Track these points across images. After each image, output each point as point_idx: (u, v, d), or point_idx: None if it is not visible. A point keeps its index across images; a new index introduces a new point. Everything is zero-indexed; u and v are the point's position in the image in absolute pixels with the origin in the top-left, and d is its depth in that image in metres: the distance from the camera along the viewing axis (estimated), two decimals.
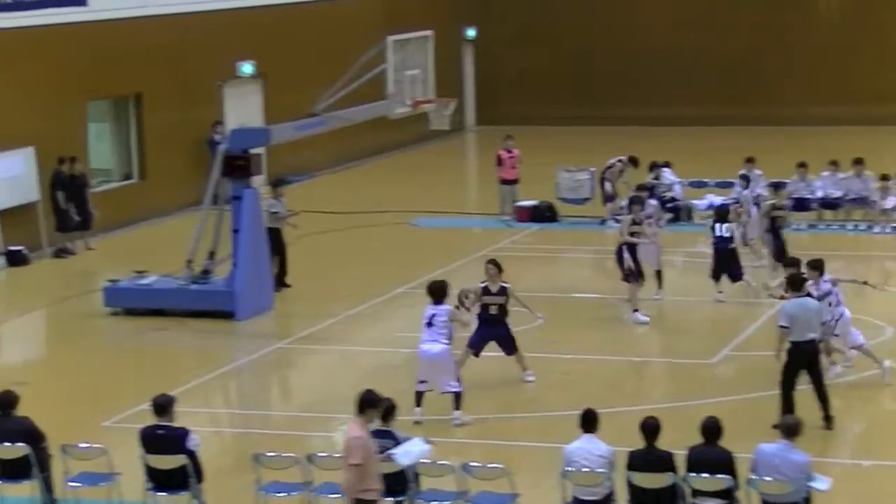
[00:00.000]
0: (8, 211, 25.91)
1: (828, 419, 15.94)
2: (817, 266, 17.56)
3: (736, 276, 21.95)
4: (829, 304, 17.25)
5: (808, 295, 16.28)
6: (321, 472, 13.54)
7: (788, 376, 15.87)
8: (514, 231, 27.24)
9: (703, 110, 40.09)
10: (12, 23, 25.88)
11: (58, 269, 25.65)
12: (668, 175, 28.35)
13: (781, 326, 15.90)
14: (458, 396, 16.60)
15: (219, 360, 19.63)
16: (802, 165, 27.86)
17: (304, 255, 24.76)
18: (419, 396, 16.60)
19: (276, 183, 23.29)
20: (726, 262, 21.95)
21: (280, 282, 22.87)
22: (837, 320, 17.42)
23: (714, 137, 37.87)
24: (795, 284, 16.26)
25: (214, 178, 22.03)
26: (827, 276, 17.70)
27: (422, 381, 16.64)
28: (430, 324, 16.51)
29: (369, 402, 12.74)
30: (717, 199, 28.19)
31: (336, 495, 13.34)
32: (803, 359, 15.84)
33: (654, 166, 28.30)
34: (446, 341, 16.47)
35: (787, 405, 15.67)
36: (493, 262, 18.09)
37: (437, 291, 16.64)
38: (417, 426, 16.03)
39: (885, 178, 27.36)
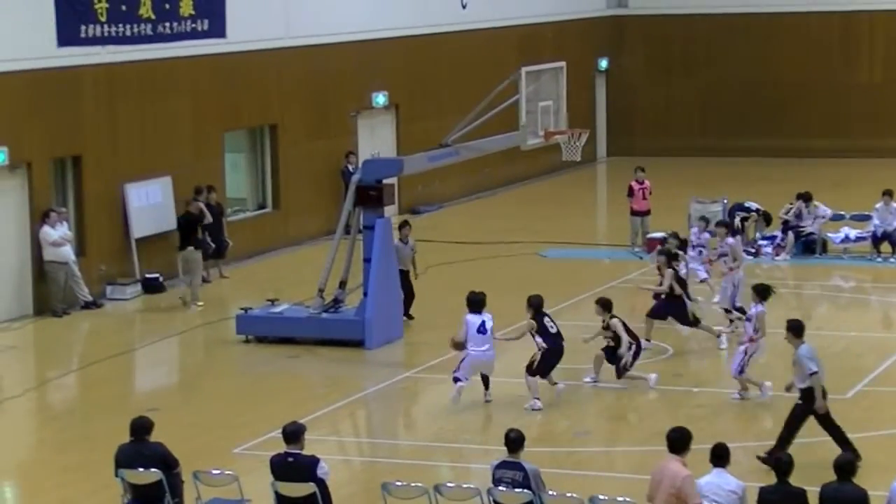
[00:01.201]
0: (146, 239, 26.40)
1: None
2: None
3: None
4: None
5: None
6: (448, 503, 13.53)
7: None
8: (644, 263, 27.05)
9: (839, 142, 39.57)
10: (153, 54, 26.41)
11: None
12: (821, 209, 27.92)
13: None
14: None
15: (348, 389, 19.76)
16: None
17: (434, 285, 24.84)
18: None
19: (400, 226, 23.32)
20: None
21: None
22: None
23: (852, 169, 37.30)
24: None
25: (347, 207, 22.22)
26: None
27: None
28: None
29: (687, 442, 12.66)
30: (853, 232, 27.81)
31: None
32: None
33: (799, 198, 27.94)
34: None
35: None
36: (598, 302, 19.38)
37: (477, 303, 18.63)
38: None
39: None
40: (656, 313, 21.21)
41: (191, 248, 25.29)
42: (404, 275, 22.84)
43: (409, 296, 23.04)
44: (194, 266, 25.19)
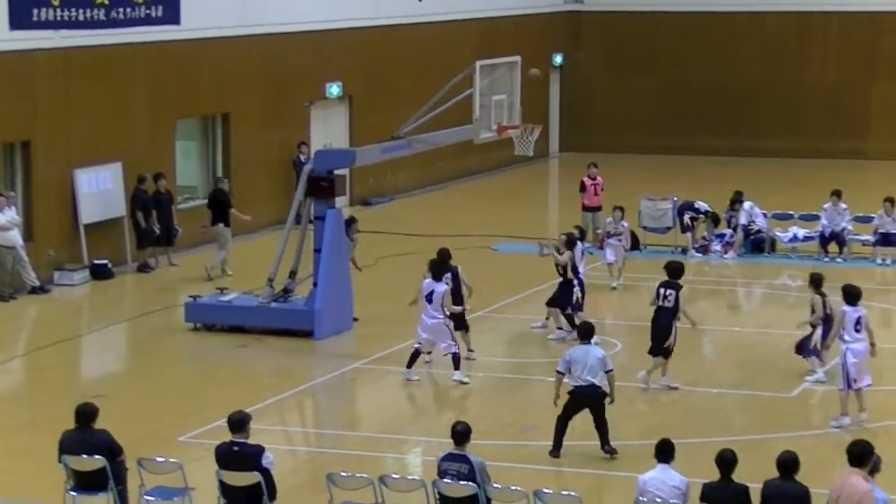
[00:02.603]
0: (94, 225, 26.26)
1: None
2: None
3: None
4: None
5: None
6: (393, 494, 13.54)
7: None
8: (595, 258, 27.13)
9: (793, 143, 39.84)
10: (106, 40, 26.23)
11: (141, 284, 25.94)
12: (747, 209, 28.15)
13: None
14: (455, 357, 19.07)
15: (296, 379, 19.72)
16: (889, 200, 27.55)
17: (385, 277, 24.83)
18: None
19: (348, 222, 23.24)
20: None
21: None
22: None
23: (802, 170, 37.57)
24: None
25: (298, 197, 22.17)
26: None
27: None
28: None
29: (866, 455, 12.37)
30: (802, 232, 28.03)
31: None
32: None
33: (736, 201, 28.20)
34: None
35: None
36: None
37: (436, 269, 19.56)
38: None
39: None
40: (556, 302, 21.61)
41: (221, 225, 26.19)
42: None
43: None
44: (223, 241, 26.03)
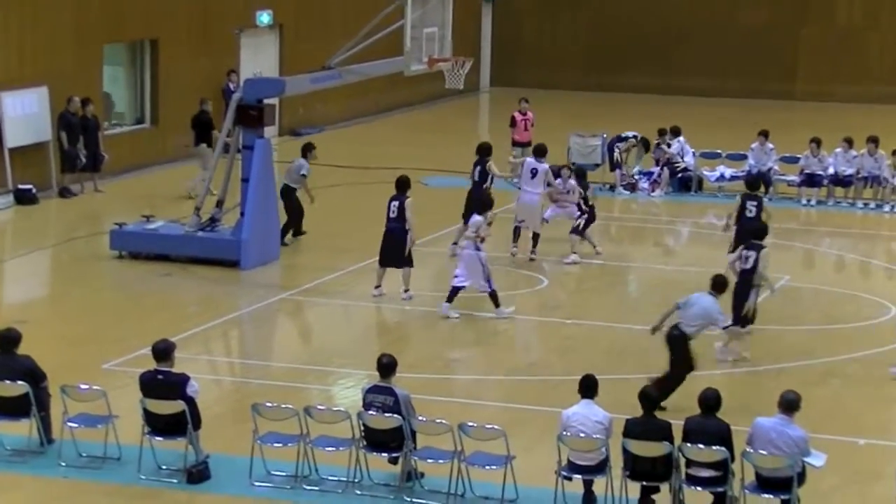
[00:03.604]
0: (19, 149, 25.91)
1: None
2: None
3: None
4: None
5: None
6: (318, 425, 13.57)
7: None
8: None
9: (722, 83, 40.02)
10: None
11: (66, 210, 25.68)
12: (676, 145, 28.29)
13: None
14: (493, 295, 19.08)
15: (221, 309, 19.65)
16: (815, 141, 27.79)
17: (313, 209, 24.72)
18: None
19: (307, 146, 23.28)
20: None
21: (296, 231, 23.09)
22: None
23: (731, 109, 37.78)
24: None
25: (227, 126, 22.00)
26: None
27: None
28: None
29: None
30: (729, 171, 28.22)
31: (331, 448, 13.38)
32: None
33: (662, 133, 28.33)
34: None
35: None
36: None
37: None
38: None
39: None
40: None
41: (203, 145, 26.49)
42: (292, 193, 22.91)
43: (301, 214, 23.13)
44: (206, 161, 25.59)
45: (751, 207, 20.51)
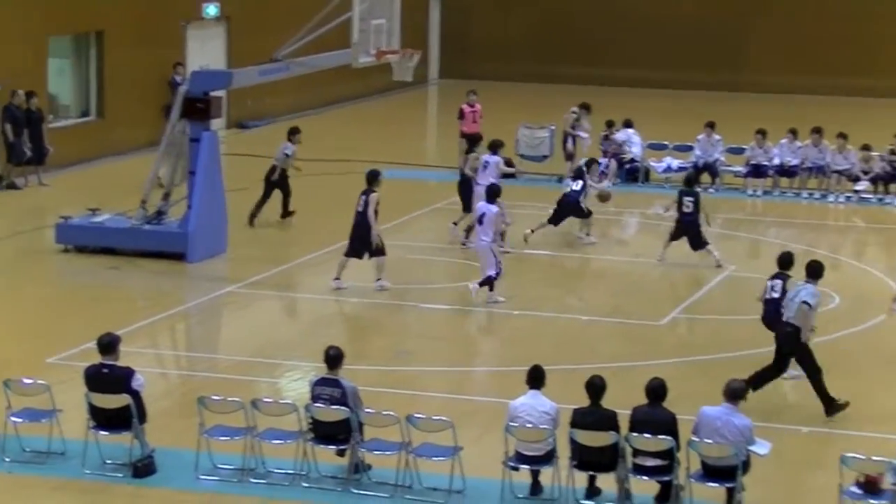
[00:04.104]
0: None
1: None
2: None
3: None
4: None
5: None
6: (264, 418, 13.53)
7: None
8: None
9: (671, 74, 40.16)
10: None
11: (10, 204, 25.45)
12: (620, 135, 28.38)
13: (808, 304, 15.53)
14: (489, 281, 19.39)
15: (168, 302, 19.56)
16: (761, 132, 27.97)
17: (259, 205, 24.60)
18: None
19: (293, 130, 24.47)
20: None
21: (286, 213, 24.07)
22: None
23: (678, 101, 37.96)
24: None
25: (173, 119, 21.89)
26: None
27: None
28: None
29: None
30: (676, 162, 28.35)
31: (278, 441, 13.35)
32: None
33: (610, 125, 28.42)
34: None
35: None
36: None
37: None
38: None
39: (841, 136, 27.53)
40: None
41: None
42: (284, 174, 24.02)
43: (287, 195, 24.08)
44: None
45: (688, 203, 21.57)
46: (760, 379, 15.62)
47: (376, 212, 19.93)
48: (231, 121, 32.65)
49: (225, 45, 33.31)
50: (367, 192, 19.99)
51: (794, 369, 16.07)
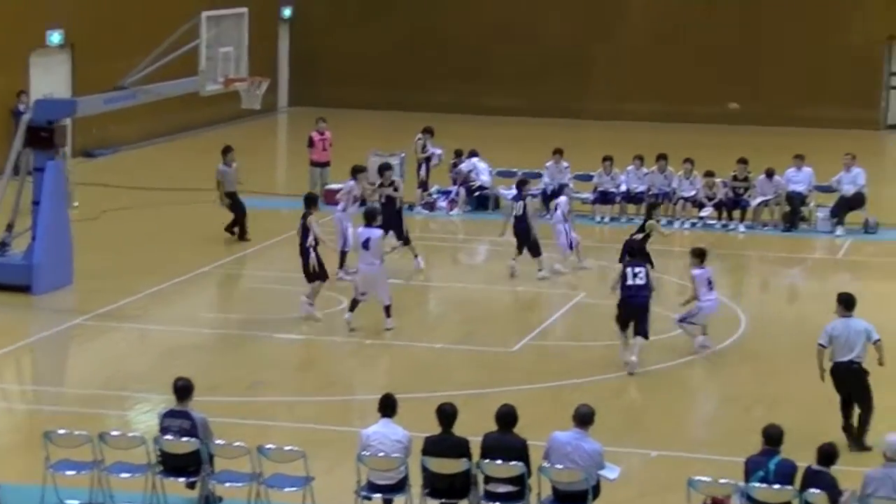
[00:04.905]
0: None
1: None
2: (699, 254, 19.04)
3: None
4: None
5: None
6: (112, 451, 13.32)
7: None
8: (322, 213, 27.13)
9: (521, 101, 40.53)
10: None
11: None
12: (464, 166, 28.62)
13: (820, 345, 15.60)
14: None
15: (13, 335, 19.17)
16: (608, 159, 28.37)
17: (108, 231, 24.31)
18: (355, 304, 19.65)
19: (225, 150, 25.15)
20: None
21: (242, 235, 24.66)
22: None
23: (528, 128, 38.31)
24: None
25: (17, 148, 21.51)
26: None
27: (362, 294, 19.58)
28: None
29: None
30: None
31: (127, 474, 13.14)
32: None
33: (458, 154, 28.65)
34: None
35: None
36: None
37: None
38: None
39: (688, 161, 28.11)
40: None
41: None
42: (233, 195, 24.70)
43: (242, 214, 24.65)
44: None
45: (518, 207, 23.03)
46: (850, 426, 15.59)
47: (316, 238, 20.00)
48: (76, 149, 32.16)
49: (69, 73, 32.81)
50: (304, 217, 20.16)
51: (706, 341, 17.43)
